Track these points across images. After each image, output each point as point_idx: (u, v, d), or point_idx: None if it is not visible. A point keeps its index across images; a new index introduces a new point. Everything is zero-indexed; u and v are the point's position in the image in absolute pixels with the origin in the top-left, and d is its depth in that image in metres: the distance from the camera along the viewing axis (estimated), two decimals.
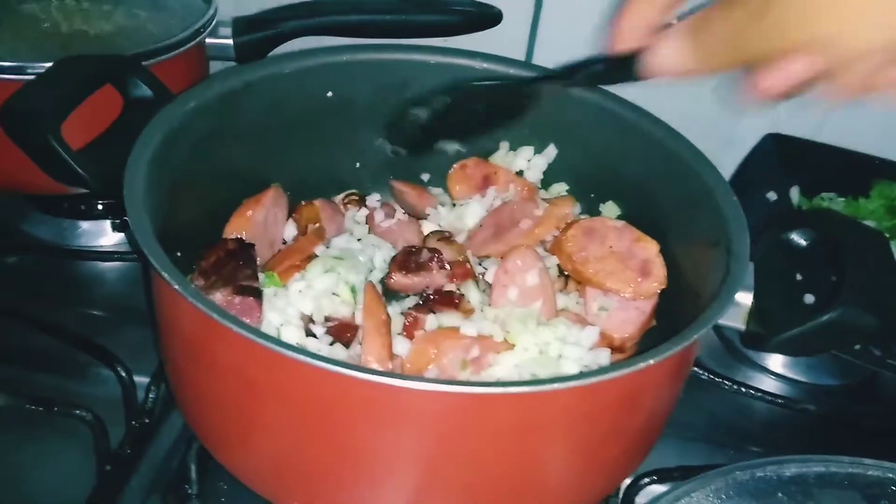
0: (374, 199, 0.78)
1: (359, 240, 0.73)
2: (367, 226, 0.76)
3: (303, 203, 0.74)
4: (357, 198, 0.77)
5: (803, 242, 0.59)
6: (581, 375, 0.46)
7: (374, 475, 0.52)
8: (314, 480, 0.54)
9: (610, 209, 0.74)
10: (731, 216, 0.59)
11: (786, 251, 0.59)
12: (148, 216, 0.54)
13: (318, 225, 0.71)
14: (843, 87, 0.41)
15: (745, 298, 0.55)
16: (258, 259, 0.65)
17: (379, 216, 0.76)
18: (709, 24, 0.43)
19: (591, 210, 0.75)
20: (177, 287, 0.49)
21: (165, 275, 0.49)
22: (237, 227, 0.68)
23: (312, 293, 0.63)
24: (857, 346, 0.73)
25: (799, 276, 0.60)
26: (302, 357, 0.46)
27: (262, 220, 0.69)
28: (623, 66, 0.50)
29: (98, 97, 0.64)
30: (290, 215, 0.74)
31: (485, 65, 0.75)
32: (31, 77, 0.69)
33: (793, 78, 0.41)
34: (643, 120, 0.70)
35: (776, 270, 0.58)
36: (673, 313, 0.64)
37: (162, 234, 0.54)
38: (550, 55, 0.92)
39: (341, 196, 0.78)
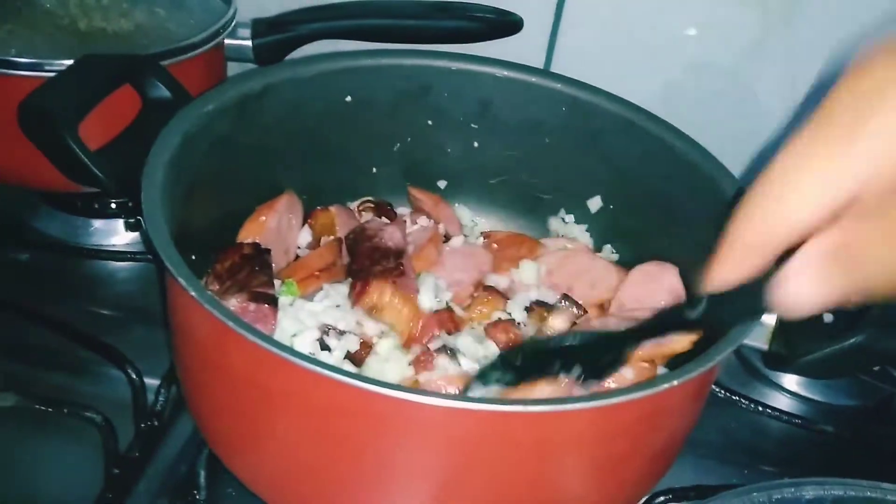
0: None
1: None
2: None
3: (318, 209, 0.73)
4: (373, 205, 0.77)
5: None
6: (602, 395, 0.45)
7: (386, 490, 0.51)
8: (324, 492, 0.53)
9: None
10: None
11: None
12: (164, 218, 0.53)
13: (335, 238, 0.70)
14: None
15: (768, 318, 0.54)
16: (273, 265, 0.64)
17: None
18: (858, 242, 0.35)
19: (614, 220, 0.74)
20: (192, 292, 0.48)
21: (181, 280, 0.48)
22: (250, 233, 0.67)
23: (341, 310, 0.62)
24: (877, 368, 0.72)
25: None
26: (317, 368, 0.45)
27: (275, 226, 0.68)
28: (737, 302, 0.41)
29: (116, 97, 0.64)
30: (305, 221, 0.74)
31: (505, 72, 0.74)
32: (49, 74, 0.69)
33: None
34: (666, 132, 0.70)
35: None
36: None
37: (177, 236, 0.53)
38: (569, 63, 0.92)
39: (357, 203, 0.77)
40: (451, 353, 0.61)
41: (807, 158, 0.34)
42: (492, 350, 0.64)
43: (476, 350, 0.63)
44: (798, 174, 0.34)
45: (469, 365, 0.61)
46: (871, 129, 0.33)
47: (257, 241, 0.66)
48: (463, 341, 0.64)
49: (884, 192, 0.33)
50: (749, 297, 0.39)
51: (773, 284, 0.37)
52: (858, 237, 0.34)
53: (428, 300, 0.67)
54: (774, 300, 0.37)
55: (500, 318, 0.67)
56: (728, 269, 0.39)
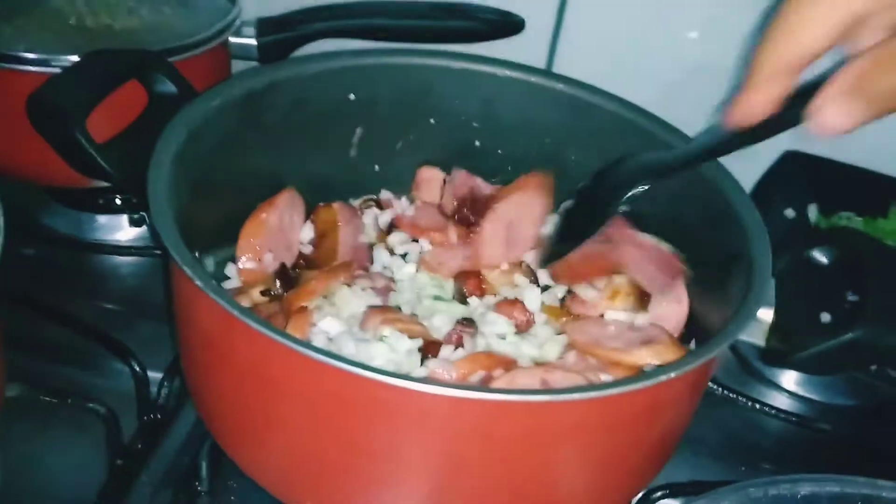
0: (393, 201, 0.78)
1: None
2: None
3: (321, 205, 0.74)
4: (374, 202, 0.77)
5: (824, 260, 0.59)
6: (599, 386, 0.46)
7: (388, 478, 0.52)
8: (327, 481, 0.54)
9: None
10: (753, 231, 0.59)
11: (806, 268, 0.59)
12: (171, 211, 0.54)
13: (338, 263, 0.70)
14: None
15: (765, 314, 0.55)
16: (280, 261, 0.64)
17: (399, 206, 0.77)
18: (878, 75, 0.39)
19: None
20: (198, 282, 0.49)
21: (188, 270, 0.49)
22: (252, 232, 0.67)
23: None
24: (874, 367, 0.73)
25: (818, 295, 0.59)
26: (321, 357, 0.46)
27: (276, 224, 0.69)
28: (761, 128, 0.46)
29: (122, 92, 0.65)
30: (307, 218, 0.74)
31: (507, 72, 0.75)
32: (57, 70, 0.70)
33: None
34: (662, 131, 0.70)
35: (797, 287, 0.57)
36: (692, 326, 0.64)
37: (182, 230, 0.54)
38: (571, 64, 0.92)
39: (359, 201, 0.78)
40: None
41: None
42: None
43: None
44: (805, 6, 0.40)
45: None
46: None
47: (259, 239, 0.67)
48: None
49: (885, 18, 0.38)
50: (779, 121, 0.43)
51: (808, 113, 0.42)
52: (876, 71, 0.39)
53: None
54: (812, 125, 0.42)
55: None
56: (754, 93, 0.43)
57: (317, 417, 0.51)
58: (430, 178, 0.79)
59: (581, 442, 0.50)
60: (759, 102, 0.44)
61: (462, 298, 0.69)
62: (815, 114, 0.42)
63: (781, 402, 0.79)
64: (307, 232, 0.74)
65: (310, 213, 0.74)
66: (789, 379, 0.81)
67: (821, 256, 0.59)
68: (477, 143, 0.78)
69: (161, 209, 0.53)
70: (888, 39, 0.38)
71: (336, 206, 0.73)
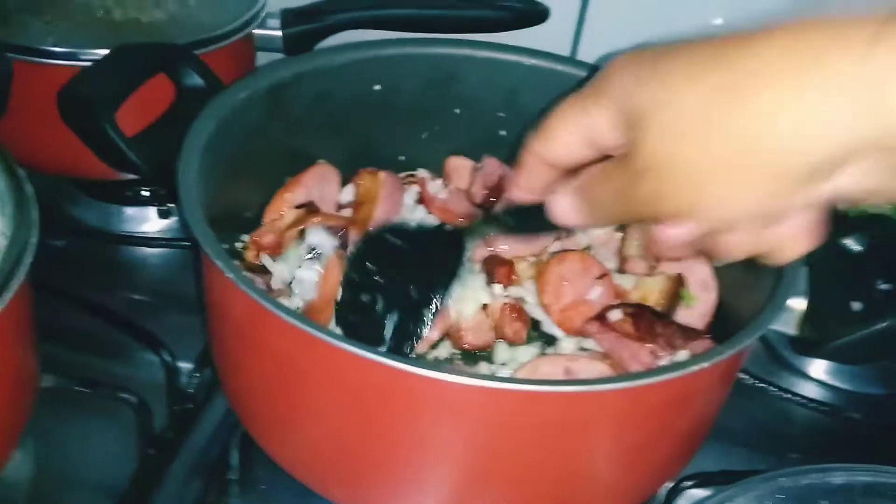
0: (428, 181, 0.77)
1: None
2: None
3: (366, 170, 0.74)
4: (414, 178, 0.77)
5: (858, 248, 0.58)
6: (632, 377, 0.46)
7: (417, 468, 0.52)
8: (357, 471, 0.54)
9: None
10: None
11: (839, 256, 0.58)
12: (201, 203, 0.54)
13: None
14: (728, 247, 0.44)
15: (797, 303, 0.54)
16: None
17: (433, 187, 0.76)
18: (594, 187, 0.46)
19: None
20: (229, 274, 0.49)
21: (219, 262, 0.49)
22: (275, 209, 0.68)
23: None
24: None
25: (849, 284, 0.59)
26: (350, 347, 0.46)
27: (304, 201, 0.69)
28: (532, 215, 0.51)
29: (150, 85, 0.65)
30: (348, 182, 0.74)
31: (532, 61, 0.75)
32: (86, 63, 0.71)
33: (680, 238, 0.43)
34: None
35: (829, 276, 0.57)
36: (722, 316, 0.63)
37: (211, 222, 0.54)
38: (595, 52, 0.92)
39: (402, 175, 0.77)
40: None
41: (566, 115, 0.46)
42: None
43: None
44: (558, 121, 0.46)
45: None
46: (601, 103, 0.44)
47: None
48: None
49: (615, 154, 0.44)
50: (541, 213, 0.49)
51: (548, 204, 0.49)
52: (594, 184, 0.46)
53: None
54: (550, 213, 0.49)
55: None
56: (521, 179, 0.51)
57: (347, 408, 0.51)
58: (460, 167, 0.78)
59: (611, 432, 0.50)
60: (525, 187, 0.51)
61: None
62: (551, 202, 0.48)
63: (810, 390, 0.78)
64: (347, 194, 0.74)
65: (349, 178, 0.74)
66: (818, 368, 0.80)
67: (854, 244, 0.58)
68: (502, 132, 0.78)
69: (191, 202, 0.54)
70: (613, 160, 0.44)
71: (382, 175, 0.73)
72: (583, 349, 0.64)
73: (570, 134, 0.46)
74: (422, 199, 0.75)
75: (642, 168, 0.41)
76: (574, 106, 0.46)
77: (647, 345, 0.60)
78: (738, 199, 0.40)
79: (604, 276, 0.67)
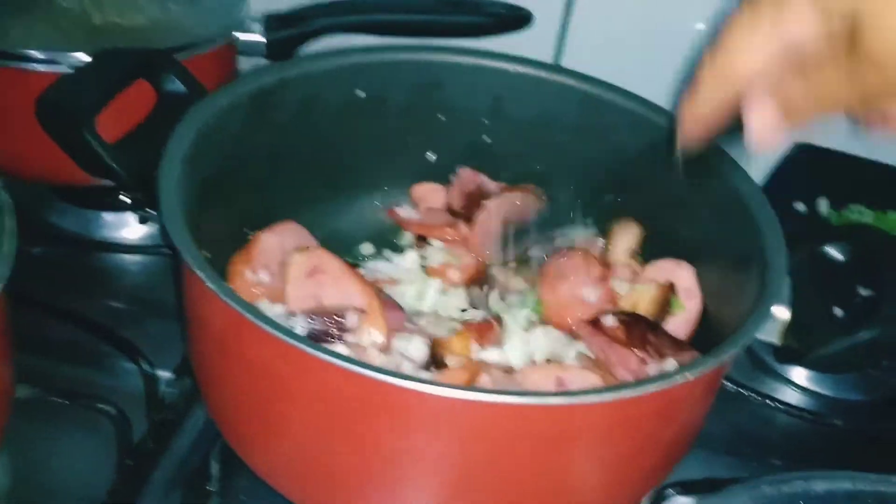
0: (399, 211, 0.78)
1: None
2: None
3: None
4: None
5: (840, 257, 0.58)
6: (618, 388, 0.46)
7: (400, 480, 0.52)
8: (338, 482, 0.54)
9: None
10: (767, 228, 0.58)
11: (821, 265, 0.59)
12: (181, 211, 0.53)
13: None
14: None
15: (781, 313, 0.54)
16: None
17: (405, 213, 0.76)
18: (800, 100, 0.44)
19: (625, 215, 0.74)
20: (209, 284, 0.48)
21: (199, 272, 0.49)
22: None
23: None
24: (885, 363, 0.72)
25: (831, 291, 0.59)
26: (332, 359, 0.46)
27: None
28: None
29: (131, 91, 0.64)
30: None
31: (517, 68, 0.74)
32: (65, 69, 0.70)
33: None
34: (673, 126, 0.70)
35: (811, 285, 0.57)
36: (706, 324, 0.63)
37: (192, 230, 0.53)
38: (579, 58, 0.92)
39: None
40: None
41: (751, 24, 0.44)
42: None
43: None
44: (742, 34, 0.45)
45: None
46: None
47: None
48: None
49: (812, 53, 0.43)
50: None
51: (744, 125, 0.47)
52: (794, 92, 0.44)
53: None
54: (746, 136, 0.47)
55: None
56: (698, 104, 0.48)
57: (328, 419, 0.50)
58: (427, 192, 0.78)
59: (596, 442, 0.50)
60: (704, 109, 0.49)
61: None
62: (749, 115, 0.46)
63: (792, 397, 0.79)
64: None
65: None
66: (800, 374, 0.80)
67: (836, 253, 0.58)
68: (487, 139, 0.78)
69: (172, 209, 0.53)
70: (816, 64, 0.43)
71: None
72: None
73: (761, 40, 0.44)
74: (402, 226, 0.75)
75: (870, 58, 0.40)
76: (763, 9, 0.44)
77: (637, 351, 0.60)
78: None
79: (604, 278, 0.67)
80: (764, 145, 0.47)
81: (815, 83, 0.43)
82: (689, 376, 0.45)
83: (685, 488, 0.65)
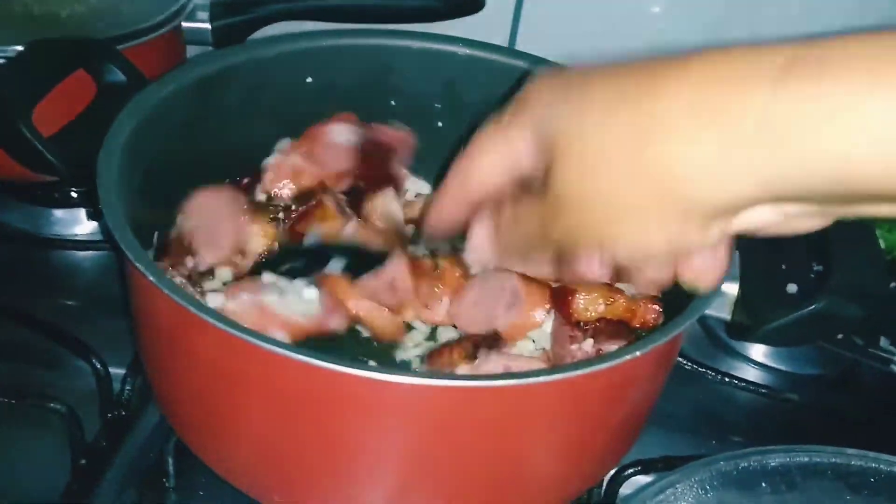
0: None
1: None
2: None
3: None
4: None
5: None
6: (566, 368, 0.46)
7: (355, 469, 0.51)
8: (294, 475, 0.53)
9: None
10: None
11: (769, 241, 0.59)
12: (122, 205, 0.52)
13: None
14: (643, 279, 0.46)
15: (730, 288, 0.54)
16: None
17: None
18: (510, 217, 0.46)
19: None
20: (152, 278, 0.47)
21: (140, 266, 0.47)
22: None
23: None
24: (840, 336, 0.73)
25: (783, 266, 0.59)
26: (282, 350, 0.45)
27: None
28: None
29: (69, 82, 0.63)
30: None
31: (468, 51, 0.74)
32: (1, 60, 0.68)
33: (596, 270, 0.45)
34: None
35: (760, 260, 0.57)
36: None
37: (135, 223, 0.52)
38: (533, 42, 0.91)
39: None
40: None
41: (487, 138, 0.46)
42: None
43: None
44: (482, 148, 0.46)
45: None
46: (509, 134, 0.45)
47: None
48: None
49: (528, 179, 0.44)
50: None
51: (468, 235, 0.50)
52: (510, 213, 0.46)
53: None
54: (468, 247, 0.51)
55: None
56: (440, 207, 0.50)
57: (281, 412, 0.50)
58: None
59: (550, 424, 0.50)
60: (443, 221, 0.51)
61: None
62: (469, 233, 0.49)
63: (749, 373, 0.80)
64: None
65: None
66: (757, 350, 0.81)
67: None
68: (439, 123, 0.77)
69: (111, 201, 0.52)
70: (527, 194, 0.45)
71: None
72: None
73: (490, 158, 0.46)
74: None
75: (557, 197, 0.41)
76: (495, 128, 0.45)
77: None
78: (649, 235, 0.40)
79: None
80: (475, 263, 0.51)
81: (522, 212, 0.45)
82: (638, 353, 0.45)
83: (645, 467, 0.66)
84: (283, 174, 0.69)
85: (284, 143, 0.72)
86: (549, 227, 0.43)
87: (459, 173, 0.48)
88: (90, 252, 0.83)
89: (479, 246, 0.49)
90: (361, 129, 0.73)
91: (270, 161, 0.70)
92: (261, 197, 0.70)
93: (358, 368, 0.45)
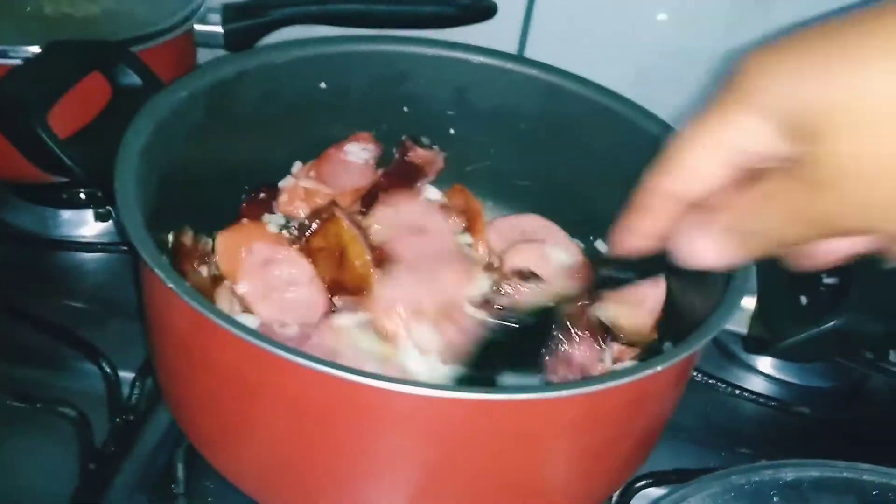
0: None
1: None
2: None
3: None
4: None
5: None
6: (586, 382, 0.45)
7: (370, 480, 0.51)
8: (306, 483, 0.53)
9: None
10: None
11: None
12: (139, 208, 0.52)
13: None
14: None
15: (747, 302, 0.54)
16: None
17: None
18: (751, 216, 0.40)
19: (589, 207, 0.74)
20: (169, 283, 0.47)
21: (158, 270, 0.47)
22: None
23: None
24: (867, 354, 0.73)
25: (796, 278, 0.59)
26: (298, 359, 0.44)
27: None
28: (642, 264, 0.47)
29: (85, 84, 0.62)
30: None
31: (481, 58, 0.74)
32: (15, 62, 0.67)
33: (847, 252, 0.42)
34: (637, 116, 0.69)
35: (777, 274, 0.57)
36: (672, 316, 0.63)
37: (151, 226, 0.52)
38: (543, 49, 0.91)
39: None
40: None
41: (699, 136, 0.41)
42: None
43: None
44: (693, 144, 0.41)
45: None
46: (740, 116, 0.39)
47: None
48: None
49: (764, 164, 0.39)
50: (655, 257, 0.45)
51: (680, 243, 0.44)
52: (749, 212, 0.40)
53: None
54: (680, 255, 0.44)
55: None
56: (641, 224, 0.45)
57: (293, 418, 0.49)
58: None
59: (567, 437, 0.49)
60: (646, 233, 0.46)
61: None
62: (686, 246, 0.43)
63: (759, 385, 0.80)
64: None
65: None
66: (767, 363, 0.81)
67: None
68: (452, 130, 0.77)
69: (129, 205, 0.51)
70: (765, 180, 0.39)
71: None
72: None
73: (708, 156, 0.41)
74: None
75: (824, 177, 0.36)
76: (709, 122, 0.40)
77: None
78: None
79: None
80: (703, 266, 0.44)
81: (772, 211, 0.40)
82: (659, 368, 0.45)
83: (656, 479, 0.66)
84: (296, 196, 0.71)
85: (297, 167, 0.73)
86: (807, 215, 0.38)
87: (667, 177, 0.43)
88: (98, 254, 0.82)
89: (706, 256, 0.42)
90: (378, 146, 0.74)
91: (284, 184, 0.72)
92: (278, 213, 0.71)
93: (374, 378, 0.44)
